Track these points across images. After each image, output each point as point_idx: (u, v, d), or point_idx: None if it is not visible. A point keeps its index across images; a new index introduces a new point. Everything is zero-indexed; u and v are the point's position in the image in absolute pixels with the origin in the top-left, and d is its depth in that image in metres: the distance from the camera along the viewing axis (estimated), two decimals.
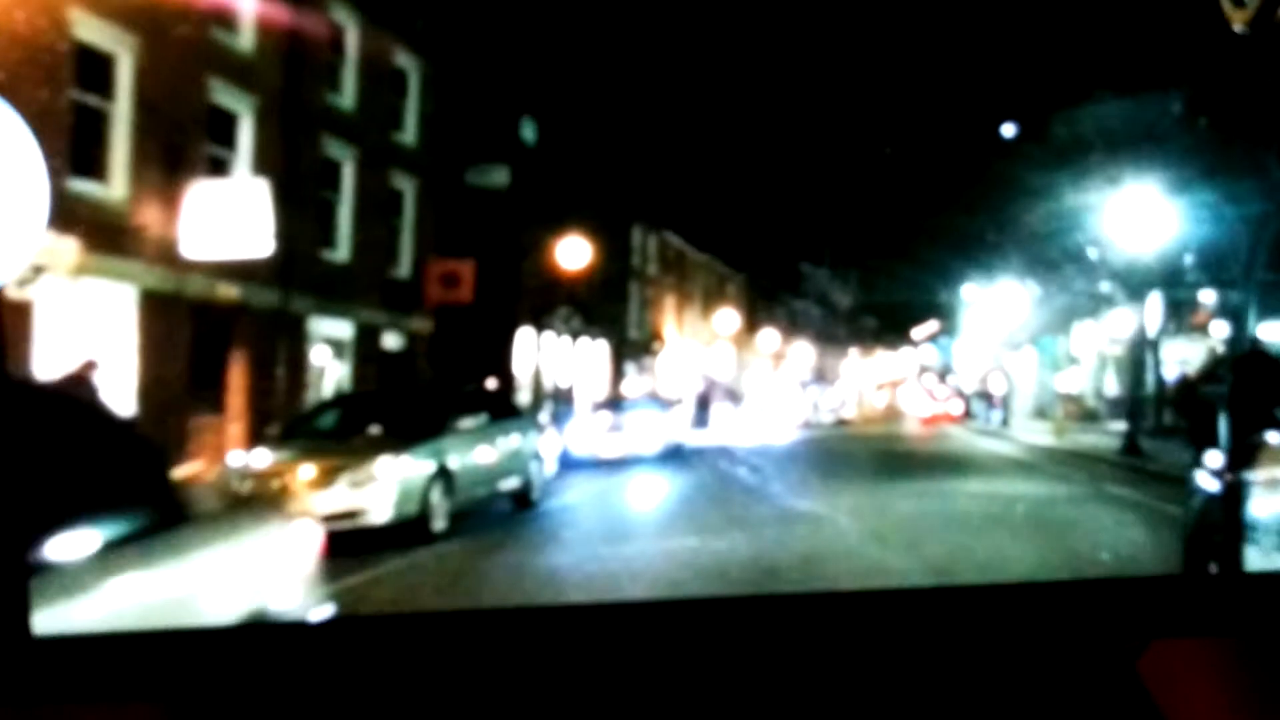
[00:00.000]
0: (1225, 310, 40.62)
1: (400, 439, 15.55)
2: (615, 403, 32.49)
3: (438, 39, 31.37)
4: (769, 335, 67.85)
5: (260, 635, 3.06)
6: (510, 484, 17.77)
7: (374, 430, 16.25)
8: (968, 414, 65.60)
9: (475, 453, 16.48)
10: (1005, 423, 47.22)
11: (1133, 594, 2.93)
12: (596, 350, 44.45)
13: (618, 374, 46.29)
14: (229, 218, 20.87)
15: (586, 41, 41.79)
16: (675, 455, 31.09)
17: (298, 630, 3.22)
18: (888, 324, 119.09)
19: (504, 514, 17.62)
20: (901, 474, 22.86)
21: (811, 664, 2.68)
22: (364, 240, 27.52)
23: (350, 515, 14.36)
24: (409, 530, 14.77)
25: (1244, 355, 24.07)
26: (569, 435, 30.13)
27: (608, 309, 45.69)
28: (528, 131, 37.98)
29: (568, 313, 37.22)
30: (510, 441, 17.65)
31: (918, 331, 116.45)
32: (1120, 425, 41.11)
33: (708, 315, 58.40)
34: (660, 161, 52.72)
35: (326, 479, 14.48)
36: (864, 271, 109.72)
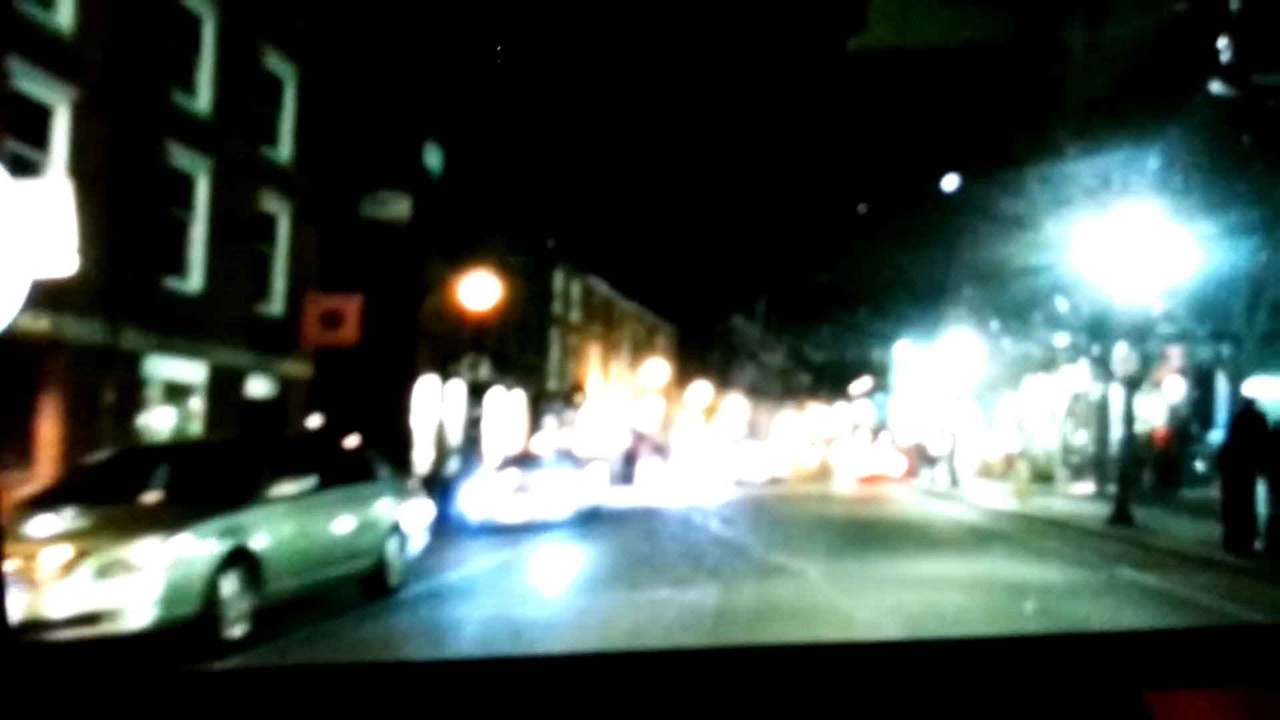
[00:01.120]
0: (1192, 366, 36.97)
1: (184, 509, 10.97)
2: (522, 460, 27.91)
3: (320, 44, 26.92)
4: (700, 389, 63.59)
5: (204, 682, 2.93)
6: (355, 567, 13.12)
7: (152, 497, 11.60)
8: (909, 472, 61.79)
9: (298, 527, 11.84)
10: (954, 483, 43.11)
11: (1130, 647, 2.89)
12: (511, 401, 39.94)
13: (535, 427, 41.76)
14: (16, 227, 16.13)
15: (505, 64, 37.57)
16: (592, 519, 26.62)
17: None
18: (821, 380, 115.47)
19: (349, 605, 13.04)
20: (862, 549, 18.40)
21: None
22: (222, 268, 22.85)
23: (94, 619, 9.74)
24: (186, 638, 10.15)
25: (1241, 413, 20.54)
26: (465, 497, 25.60)
27: (525, 357, 41.22)
28: (433, 159, 33.56)
29: (475, 360, 32.72)
30: (356, 512, 13.07)
31: (852, 388, 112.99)
32: (1084, 487, 37.23)
33: (636, 366, 54.07)
34: (585, 202, 48.59)
35: (68, 567, 9.86)
36: (798, 327, 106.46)
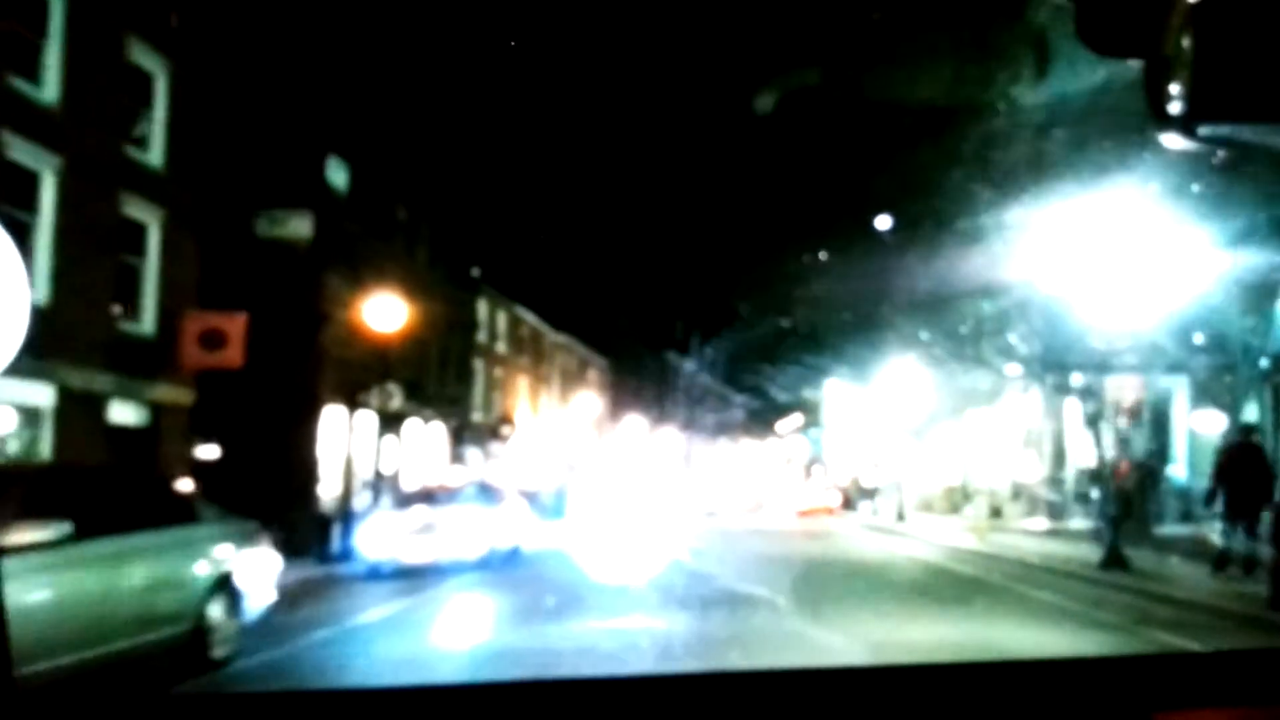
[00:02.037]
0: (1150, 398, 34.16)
1: None
2: (430, 495, 24.29)
3: (198, 42, 23.37)
4: (634, 422, 60.19)
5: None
6: (157, 636, 9.62)
7: None
8: (846, 505, 58.82)
9: (52, 589, 8.28)
10: (900, 517, 39.89)
11: (1137, 669, 2.87)
12: (430, 434, 36.31)
13: (457, 461, 38.12)
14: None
15: (424, 79, 34.20)
16: (509, 562, 23.18)
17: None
18: (756, 415, 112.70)
19: (165, 680, 9.50)
20: (825, 598, 15.07)
21: None
22: (76, 280, 19.11)
23: None
24: None
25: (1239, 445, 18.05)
26: (364, 535, 22.05)
27: (446, 388, 37.64)
28: (337, 176, 30.02)
29: (386, 389, 29.13)
30: (156, 565, 9.57)
31: (786, 423, 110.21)
32: (1036, 523, 34.15)
33: (567, 400, 50.59)
34: (513, 232, 45.28)
35: None
36: (732, 362, 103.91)
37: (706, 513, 65.81)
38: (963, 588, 18.11)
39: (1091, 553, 22.93)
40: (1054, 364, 34.44)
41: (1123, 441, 35.87)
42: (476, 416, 40.00)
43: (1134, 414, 35.23)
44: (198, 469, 25.85)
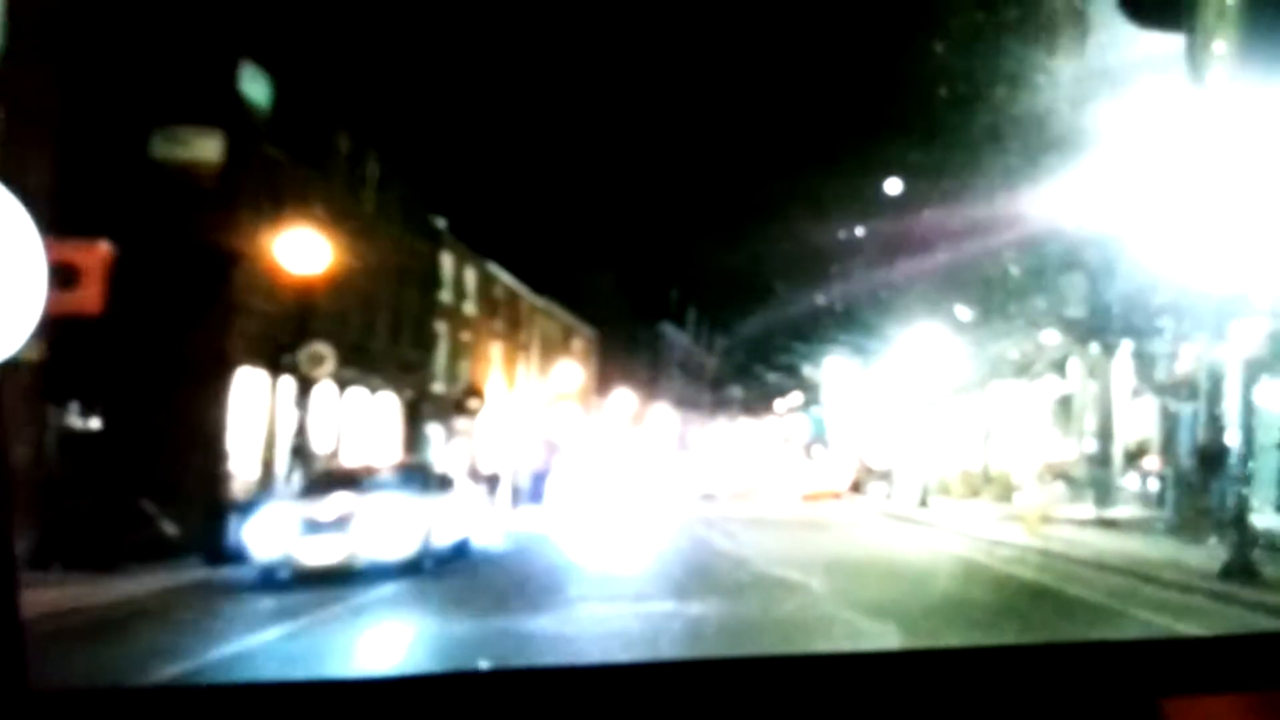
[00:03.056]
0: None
1: None
2: (350, 479, 19.34)
3: None
4: (623, 397, 55.18)
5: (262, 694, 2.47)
6: None
7: None
8: (854, 489, 53.99)
9: None
10: (923, 503, 34.91)
11: (1145, 654, 2.87)
12: (380, 407, 31.33)
13: (414, 438, 33.14)
14: None
15: None
16: (450, 564, 18.44)
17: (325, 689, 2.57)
18: (755, 392, 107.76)
19: None
20: (875, 622, 10.35)
21: None
22: None
23: None
24: None
25: None
26: (253, 530, 17.14)
27: (401, 352, 32.64)
28: (256, 89, 24.92)
29: (316, 352, 24.19)
30: None
31: (787, 400, 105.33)
32: (1081, 510, 29.24)
33: (548, 371, 45.61)
34: (487, 176, 40.21)
35: None
36: (731, 338, 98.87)
37: (703, 495, 61.02)
38: (1053, 608, 13.17)
39: (1180, 551, 18.24)
40: (1105, 326, 29.56)
41: (1175, 416, 31.03)
42: (438, 387, 35.05)
43: (1185, 386, 30.53)
44: (70, 441, 20.98)
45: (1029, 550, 19.91)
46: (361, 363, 29.11)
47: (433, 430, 34.96)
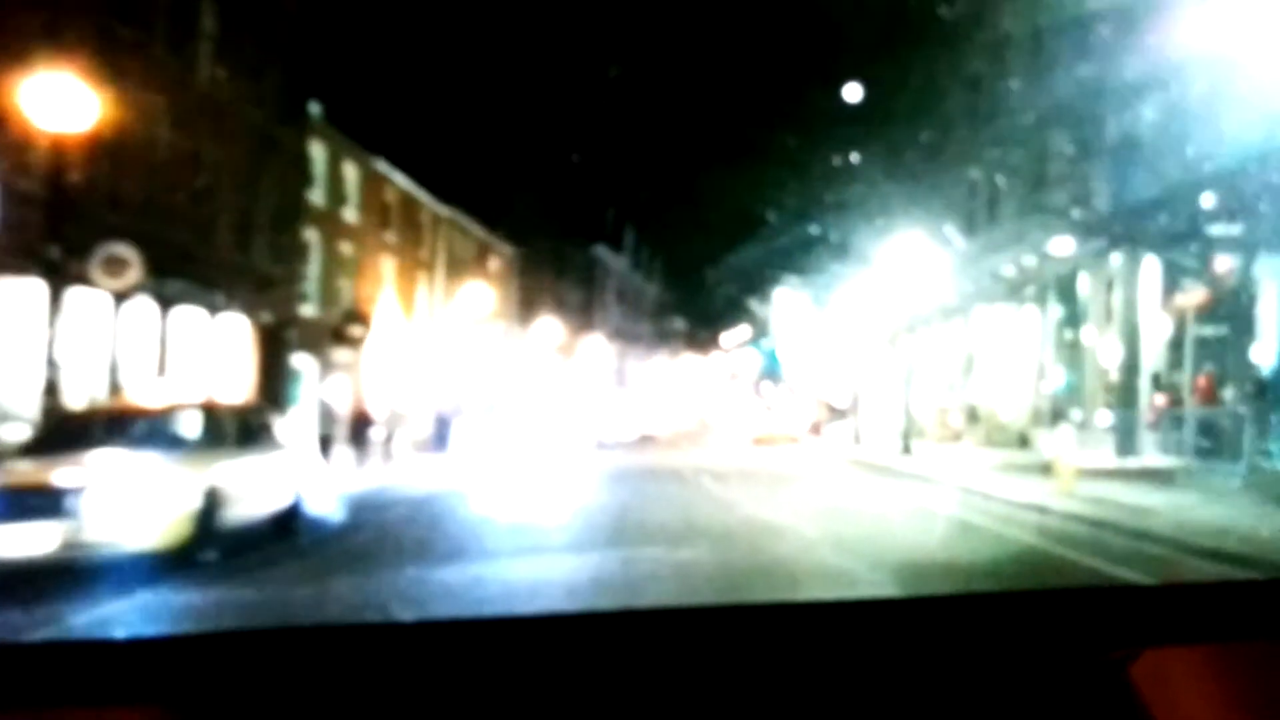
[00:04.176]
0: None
1: None
2: (92, 430, 13.38)
3: None
4: (549, 326, 49.15)
5: (262, 640, 2.38)
6: None
7: None
8: (814, 431, 48.58)
9: None
10: (906, 449, 29.27)
11: (1120, 602, 2.75)
12: (226, 332, 25.18)
13: (275, 373, 27.04)
14: None
15: None
16: (268, 542, 12.87)
17: (308, 634, 2.40)
18: (700, 324, 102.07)
19: None
20: None
21: (785, 678, 2.31)
22: None
23: None
24: None
25: None
26: None
27: (254, 264, 26.47)
28: None
29: (117, 256, 18.13)
30: None
31: (736, 333, 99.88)
32: (1097, 457, 23.87)
33: (457, 295, 39.52)
34: (380, 57, 33.93)
35: None
36: (672, 264, 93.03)
37: (640, 437, 55.67)
38: None
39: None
40: (1136, 228, 24.01)
41: (1205, 345, 25.76)
42: (309, 310, 28.92)
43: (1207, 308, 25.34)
44: None
45: (1079, 520, 14.46)
46: (194, 275, 23.02)
47: (303, 363, 28.90)
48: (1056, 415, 29.34)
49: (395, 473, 24.95)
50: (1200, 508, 15.26)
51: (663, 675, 2.29)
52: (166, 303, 22.53)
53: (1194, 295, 25.68)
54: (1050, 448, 21.06)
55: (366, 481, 22.63)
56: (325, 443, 26.06)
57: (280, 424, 15.72)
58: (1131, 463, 23.61)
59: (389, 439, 25.76)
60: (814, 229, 60.01)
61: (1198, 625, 2.48)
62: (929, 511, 16.48)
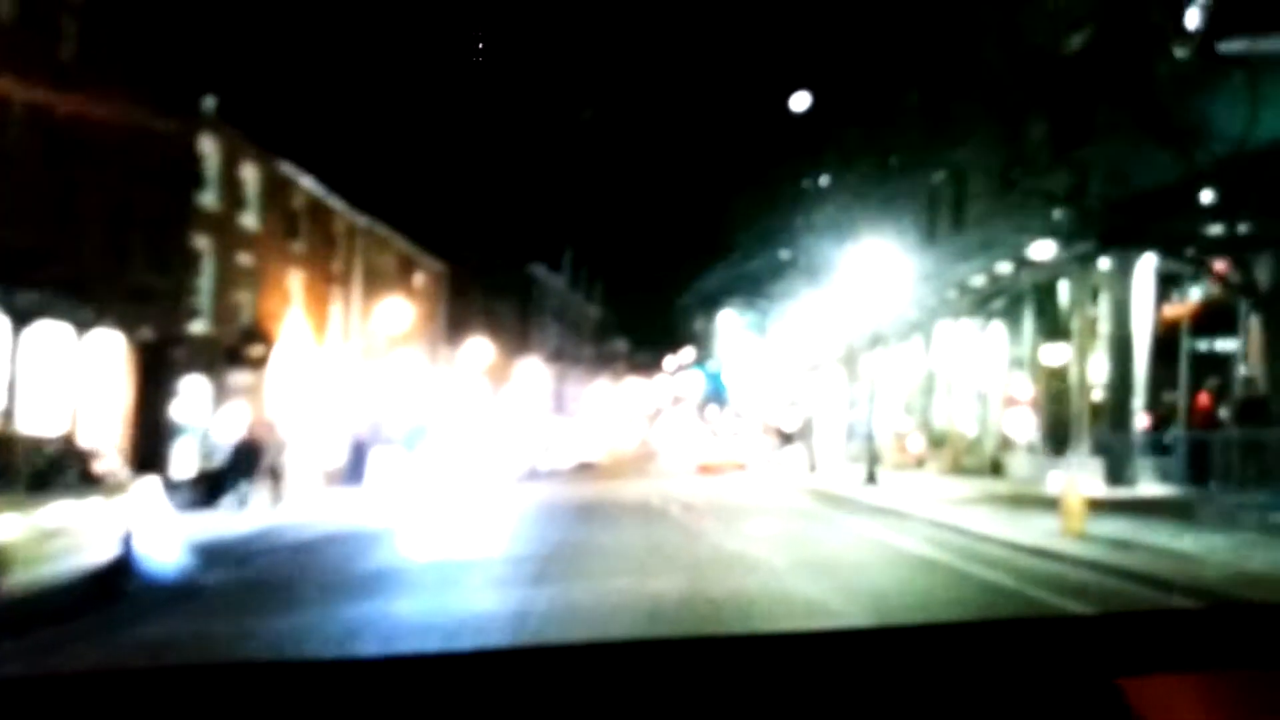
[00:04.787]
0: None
1: None
2: None
3: None
4: (479, 347, 46.04)
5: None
6: None
7: None
8: (763, 458, 45.79)
9: None
10: (872, 478, 26.44)
11: (1104, 631, 2.77)
12: (97, 351, 21.96)
13: (155, 400, 23.83)
14: None
15: None
16: (90, 603, 10.02)
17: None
18: (643, 346, 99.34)
19: None
20: None
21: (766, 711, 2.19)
22: None
23: None
24: None
25: None
26: None
27: (133, 276, 23.27)
28: None
29: None
30: None
31: (679, 356, 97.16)
32: (1089, 486, 21.33)
33: (375, 312, 36.35)
34: (288, 48, 30.86)
35: None
36: (613, 284, 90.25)
37: (578, 464, 52.99)
38: None
39: None
40: (1131, 227, 21.43)
41: (1205, 360, 23.35)
42: (200, 327, 25.73)
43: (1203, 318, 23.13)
44: None
45: (1105, 571, 11.85)
46: (54, 284, 19.83)
47: (195, 386, 25.71)
48: (1040, 438, 26.74)
49: (288, 511, 21.88)
50: (1248, 550, 12.59)
51: (635, 709, 2.15)
52: (20, 317, 19.36)
53: (1185, 304, 23.27)
54: (1057, 484, 18.44)
55: (249, 522, 19.60)
56: (214, 478, 23.00)
57: (107, 459, 12.65)
58: (1125, 492, 21.05)
59: (276, 471, 22.64)
60: (762, 248, 58.02)
61: (1192, 653, 2.44)
62: (918, 560, 13.65)
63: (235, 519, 20.29)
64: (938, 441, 34.75)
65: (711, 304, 79.95)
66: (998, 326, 29.98)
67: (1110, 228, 21.59)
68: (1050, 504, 19.40)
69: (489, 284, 52.64)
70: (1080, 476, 23.10)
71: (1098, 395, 24.36)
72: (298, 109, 31.86)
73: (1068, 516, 14.83)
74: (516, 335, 57.73)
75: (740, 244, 62.79)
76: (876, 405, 33.51)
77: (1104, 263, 22.75)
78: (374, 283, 36.49)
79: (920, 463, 34.64)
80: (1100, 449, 21.81)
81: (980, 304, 29.70)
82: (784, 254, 51.57)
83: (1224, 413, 21.31)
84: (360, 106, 38.69)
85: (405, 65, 59.68)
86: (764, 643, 2.64)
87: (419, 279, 42.30)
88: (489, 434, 42.54)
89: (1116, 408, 22.32)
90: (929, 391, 35.87)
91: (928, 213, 32.86)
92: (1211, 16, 18.98)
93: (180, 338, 24.84)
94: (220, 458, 22.77)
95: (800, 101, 49.93)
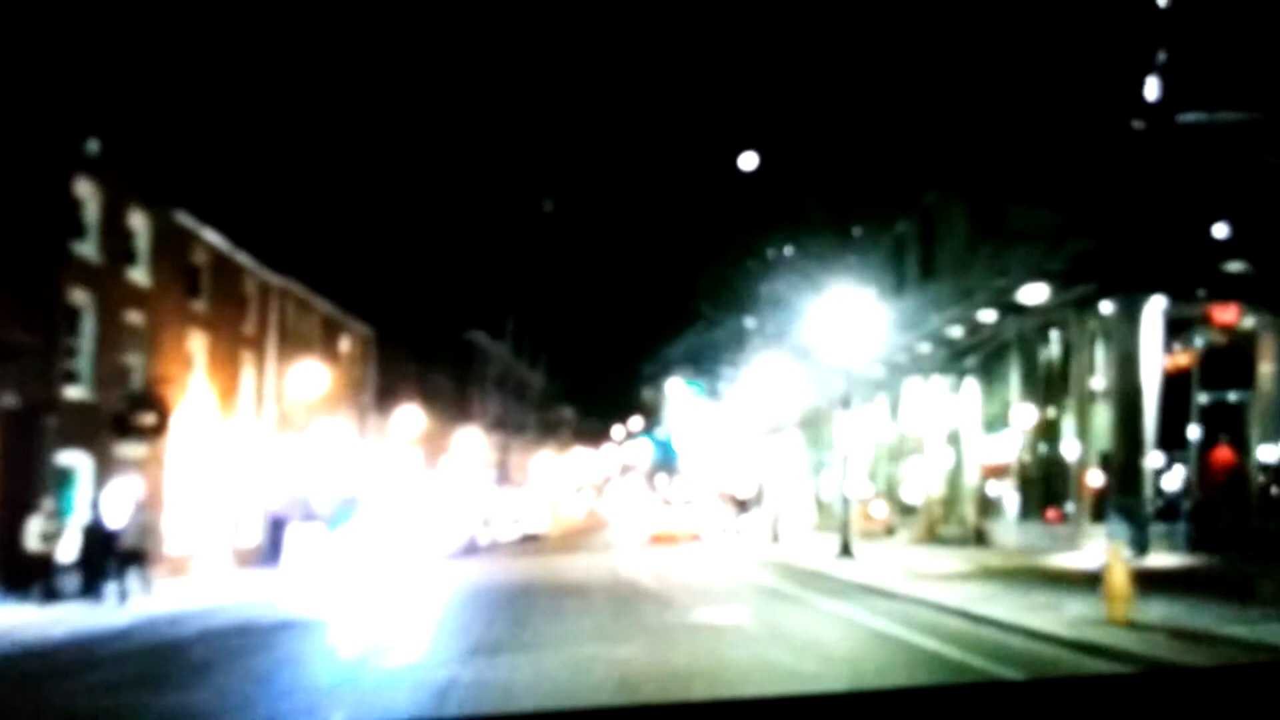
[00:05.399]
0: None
1: None
2: None
3: None
4: (410, 415, 42.51)
5: None
6: None
7: None
8: (716, 527, 42.50)
9: None
10: (846, 551, 23.02)
11: (1120, 690, 2.85)
12: None
13: (24, 475, 20.26)
14: None
15: None
16: None
17: None
18: (590, 414, 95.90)
19: None
20: None
21: None
22: None
23: None
24: None
25: None
26: None
27: None
28: None
29: None
30: None
31: (627, 424, 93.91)
32: (1085, 556, 18.30)
33: (291, 378, 32.85)
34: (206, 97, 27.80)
35: None
36: (558, 353, 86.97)
37: (521, 536, 49.75)
38: None
39: None
40: (1138, 270, 18.60)
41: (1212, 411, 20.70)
42: (77, 393, 22.19)
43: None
44: None
45: None
46: None
47: (74, 461, 22.15)
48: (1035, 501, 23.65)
49: (154, 602, 18.51)
50: None
51: None
52: None
53: (1189, 351, 20.46)
54: (1011, 543, 15.39)
55: (91, 618, 16.29)
56: (94, 566, 19.45)
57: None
58: (1150, 563, 18.05)
59: (139, 556, 19.09)
60: (725, 317, 55.79)
61: (1212, 710, 2.40)
62: (933, 661, 10.37)
63: (80, 613, 16.98)
64: (906, 509, 31.71)
65: (666, 372, 77.99)
66: (971, 384, 27.08)
67: (1115, 268, 18.76)
68: (1061, 579, 16.32)
69: (424, 350, 49.28)
70: (1093, 547, 20.13)
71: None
72: (211, 164, 28.69)
73: (1113, 600, 11.67)
74: (455, 403, 54.25)
75: (703, 313, 61.51)
76: (833, 471, 30.37)
77: (1106, 307, 19.86)
78: (292, 347, 33.03)
79: (889, 531, 31.52)
80: (1121, 514, 18.67)
81: (955, 358, 26.75)
82: (749, 322, 49.68)
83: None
84: (284, 164, 35.47)
85: (338, 122, 56.77)
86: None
87: (344, 344, 38.87)
88: (423, 507, 39.06)
89: (1126, 467, 19.29)
90: (897, 456, 32.85)
91: (894, 263, 29.96)
92: (1168, 89, 18.41)
93: (52, 403, 21.30)
94: (60, 542, 19.18)
95: (749, 161, 47.64)
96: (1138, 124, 18.71)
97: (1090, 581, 16.22)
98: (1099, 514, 20.29)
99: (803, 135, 39.11)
